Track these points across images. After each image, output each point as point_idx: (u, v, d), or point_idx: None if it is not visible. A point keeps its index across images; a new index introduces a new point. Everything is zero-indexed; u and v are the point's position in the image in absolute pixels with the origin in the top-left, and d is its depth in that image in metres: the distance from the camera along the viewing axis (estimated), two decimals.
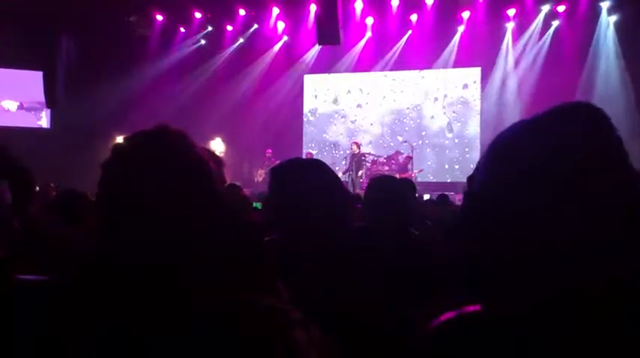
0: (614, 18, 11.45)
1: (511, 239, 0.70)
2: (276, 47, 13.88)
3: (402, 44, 13.17)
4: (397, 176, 11.72)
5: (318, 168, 1.82)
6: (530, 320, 0.70)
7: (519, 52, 12.33)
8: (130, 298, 0.70)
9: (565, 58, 11.80)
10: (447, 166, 13.25)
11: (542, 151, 0.70)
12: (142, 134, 0.83)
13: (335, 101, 14.22)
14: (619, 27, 11.36)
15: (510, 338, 0.70)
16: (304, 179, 1.74)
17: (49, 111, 12.92)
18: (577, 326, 0.68)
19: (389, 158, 12.34)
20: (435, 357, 0.75)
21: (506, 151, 0.75)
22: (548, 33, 12.08)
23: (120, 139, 0.88)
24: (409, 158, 11.99)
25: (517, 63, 12.32)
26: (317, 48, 13.34)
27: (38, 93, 12.58)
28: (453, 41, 12.81)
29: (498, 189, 0.73)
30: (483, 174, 0.76)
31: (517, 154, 0.73)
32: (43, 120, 13.00)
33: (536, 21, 12.07)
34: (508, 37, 12.44)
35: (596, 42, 11.49)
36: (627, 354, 0.67)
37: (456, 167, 13.05)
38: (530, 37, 12.22)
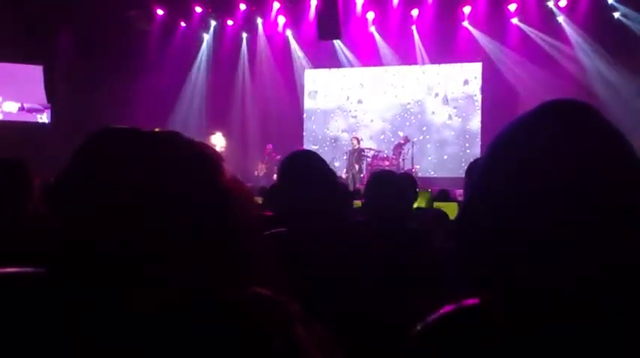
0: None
1: (509, 236, 0.70)
2: (277, 42, 13.83)
3: (403, 39, 13.11)
4: (389, 163, 11.76)
5: (316, 158, 1.85)
6: (530, 316, 0.70)
7: (521, 48, 12.26)
8: (127, 297, 0.70)
9: (566, 52, 11.77)
10: (447, 161, 13.22)
11: (534, 148, 0.71)
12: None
13: (335, 96, 14.17)
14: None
15: (509, 332, 0.71)
16: (307, 168, 1.76)
17: (49, 111, 12.90)
18: (577, 324, 0.68)
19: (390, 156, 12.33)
20: (434, 349, 0.76)
21: (500, 149, 0.76)
22: (549, 27, 12.01)
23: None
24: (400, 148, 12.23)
25: (518, 58, 12.25)
26: (318, 43, 13.29)
27: (39, 95, 12.58)
28: (453, 36, 12.75)
29: (495, 186, 0.73)
30: (481, 171, 0.77)
31: (510, 152, 0.74)
32: (44, 119, 12.99)
33: (538, 16, 12.00)
34: (510, 30, 12.38)
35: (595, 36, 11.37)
36: (627, 354, 0.67)
37: (457, 162, 13.01)
38: (532, 32, 12.15)
